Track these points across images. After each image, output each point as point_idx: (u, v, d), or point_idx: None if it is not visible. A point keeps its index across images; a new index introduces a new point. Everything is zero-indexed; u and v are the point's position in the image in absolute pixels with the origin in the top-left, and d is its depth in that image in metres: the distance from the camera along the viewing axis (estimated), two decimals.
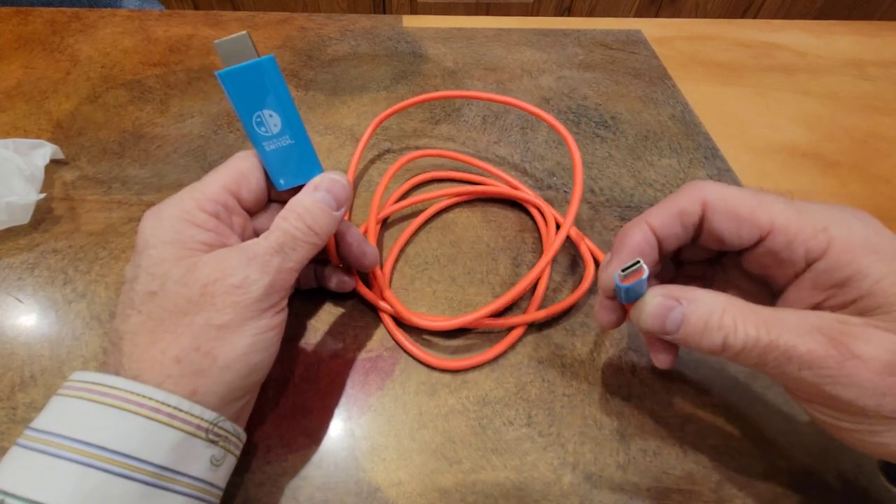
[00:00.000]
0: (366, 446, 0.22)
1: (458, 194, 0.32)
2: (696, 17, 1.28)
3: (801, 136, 0.39)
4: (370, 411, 0.23)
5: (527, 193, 0.31)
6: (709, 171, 0.35)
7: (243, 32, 0.18)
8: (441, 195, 0.31)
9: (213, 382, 0.17)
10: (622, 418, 0.23)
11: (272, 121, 0.19)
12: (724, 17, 1.28)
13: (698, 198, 0.18)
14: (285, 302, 0.19)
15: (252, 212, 0.22)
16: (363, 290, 0.26)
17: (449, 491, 0.21)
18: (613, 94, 0.41)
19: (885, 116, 0.40)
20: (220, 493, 0.18)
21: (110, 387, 0.16)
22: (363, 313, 0.26)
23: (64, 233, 0.29)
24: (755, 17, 1.26)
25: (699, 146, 0.37)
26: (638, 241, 0.18)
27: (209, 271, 0.17)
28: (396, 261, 0.29)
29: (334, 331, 0.26)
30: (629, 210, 0.32)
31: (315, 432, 0.22)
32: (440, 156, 0.34)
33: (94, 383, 0.16)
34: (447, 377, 0.24)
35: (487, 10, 1.25)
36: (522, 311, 0.26)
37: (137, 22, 0.46)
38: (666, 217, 0.18)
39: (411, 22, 0.48)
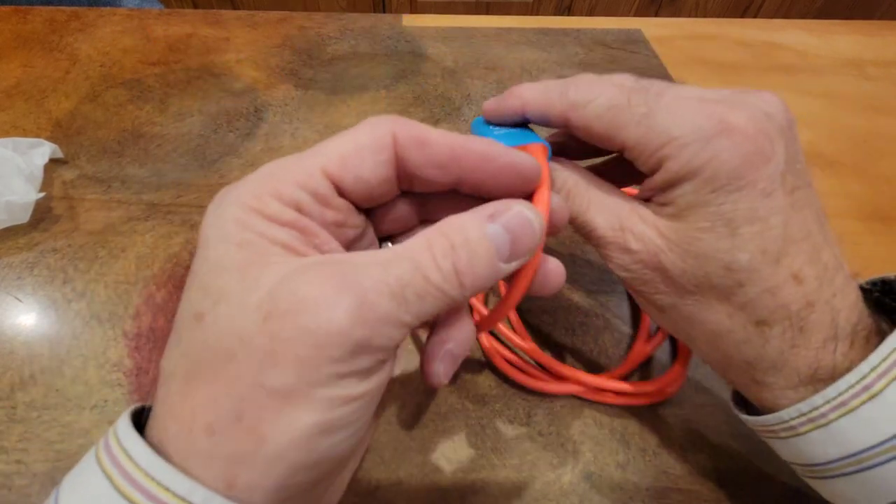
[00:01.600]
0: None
1: None
2: (695, 16, 1.28)
3: (801, 136, 0.38)
4: None
5: None
6: None
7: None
8: None
9: (259, 477, 0.11)
10: (622, 417, 0.23)
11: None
12: (723, 16, 1.28)
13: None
14: (385, 366, 0.13)
15: (366, 205, 0.15)
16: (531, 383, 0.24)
17: (448, 490, 0.21)
18: None
19: (885, 116, 0.40)
20: None
21: (132, 462, 0.11)
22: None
23: (63, 232, 0.29)
24: (755, 16, 1.26)
25: None
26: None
27: (279, 292, 0.12)
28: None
29: None
30: None
31: None
32: None
33: (121, 449, 0.12)
34: None
35: (487, 9, 1.25)
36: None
37: (137, 21, 0.46)
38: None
39: (411, 21, 0.48)
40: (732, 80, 0.43)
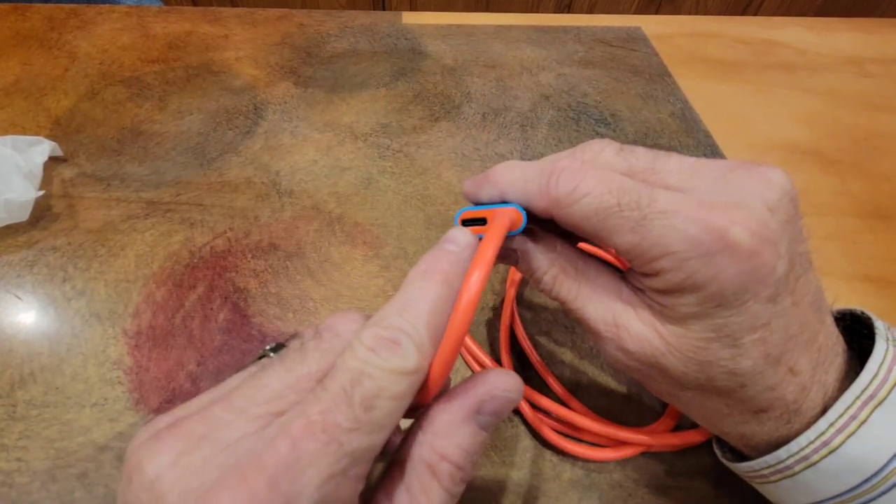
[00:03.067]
0: None
1: None
2: (696, 14, 1.27)
3: (801, 134, 0.39)
4: None
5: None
6: None
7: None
8: None
9: None
10: (622, 414, 0.23)
11: None
12: (724, 13, 1.27)
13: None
14: None
15: None
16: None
17: None
18: (613, 91, 0.41)
19: (886, 114, 0.40)
20: None
21: None
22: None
23: (63, 230, 0.29)
24: (755, 13, 1.25)
25: (699, 144, 0.37)
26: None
27: None
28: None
29: None
30: None
31: None
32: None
33: None
34: None
35: (487, 6, 1.24)
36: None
37: (136, 18, 0.46)
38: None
39: (411, 18, 0.48)
40: (733, 77, 0.43)
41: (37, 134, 0.34)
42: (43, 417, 0.22)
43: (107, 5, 0.47)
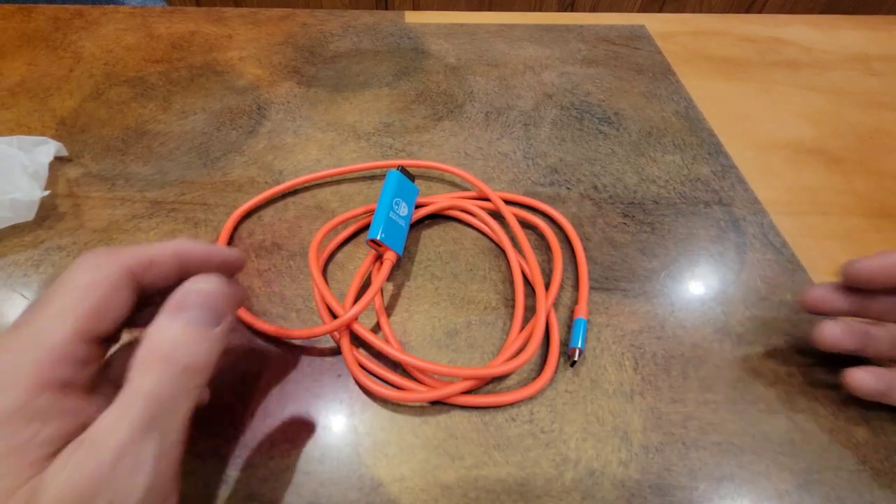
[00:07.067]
0: (368, 442, 0.22)
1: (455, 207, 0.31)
2: (700, 11, 1.27)
3: (805, 132, 0.38)
4: (373, 407, 0.23)
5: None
6: (712, 167, 0.35)
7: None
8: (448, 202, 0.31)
9: None
10: (624, 415, 0.23)
11: (401, 207, 0.28)
12: (728, 11, 1.27)
13: None
14: (177, 487, 0.14)
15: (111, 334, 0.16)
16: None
17: (451, 486, 0.21)
18: (617, 89, 0.41)
19: (891, 112, 0.40)
20: None
21: None
22: (365, 311, 0.26)
23: (68, 230, 0.29)
24: (760, 11, 1.25)
25: (703, 142, 0.37)
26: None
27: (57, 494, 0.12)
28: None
29: None
30: (632, 206, 0.32)
31: (318, 428, 0.22)
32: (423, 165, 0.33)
33: None
34: None
35: (490, 6, 1.24)
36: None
37: (140, 18, 0.46)
38: None
39: (413, 18, 0.48)
40: (737, 75, 0.43)
41: (42, 134, 0.34)
42: None
43: (111, 6, 0.47)
